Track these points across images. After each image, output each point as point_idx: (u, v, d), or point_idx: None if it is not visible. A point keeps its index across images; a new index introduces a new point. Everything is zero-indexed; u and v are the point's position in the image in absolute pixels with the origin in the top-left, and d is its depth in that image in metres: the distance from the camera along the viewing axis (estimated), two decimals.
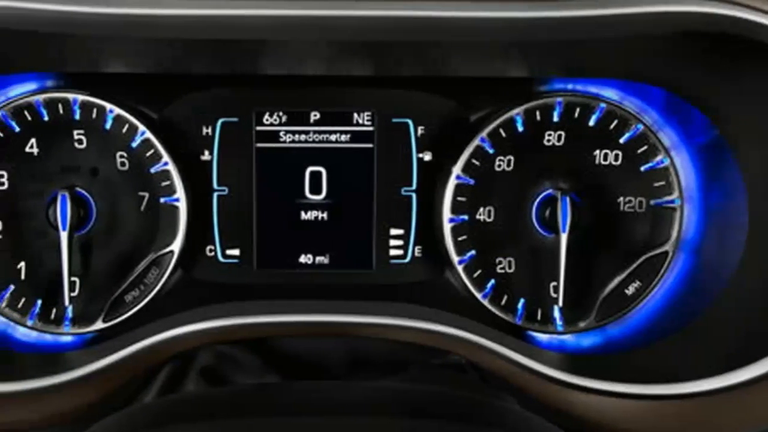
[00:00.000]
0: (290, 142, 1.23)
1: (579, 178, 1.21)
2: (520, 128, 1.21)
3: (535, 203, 1.21)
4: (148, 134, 1.19)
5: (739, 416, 1.10)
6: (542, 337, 1.24)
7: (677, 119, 1.20)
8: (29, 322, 1.22)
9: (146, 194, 1.21)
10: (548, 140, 1.21)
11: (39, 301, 1.22)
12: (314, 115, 1.23)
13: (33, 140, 1.20)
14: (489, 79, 1.18)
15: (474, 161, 1.21)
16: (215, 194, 1.23)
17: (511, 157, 1.21)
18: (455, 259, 1.22)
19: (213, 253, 1.24)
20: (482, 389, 1.28)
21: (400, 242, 1.25)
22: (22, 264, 1.21)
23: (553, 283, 1.21)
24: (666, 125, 1.21)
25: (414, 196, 1.24)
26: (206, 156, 1.22)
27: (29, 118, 1.19)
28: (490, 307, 1.23)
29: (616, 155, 1.21)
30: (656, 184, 1.22)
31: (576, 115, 1.21)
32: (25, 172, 1.20)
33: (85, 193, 1.20)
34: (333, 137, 1.23)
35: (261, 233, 1.24)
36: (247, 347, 1.34)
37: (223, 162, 1.23)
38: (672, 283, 1.24)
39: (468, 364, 1.31)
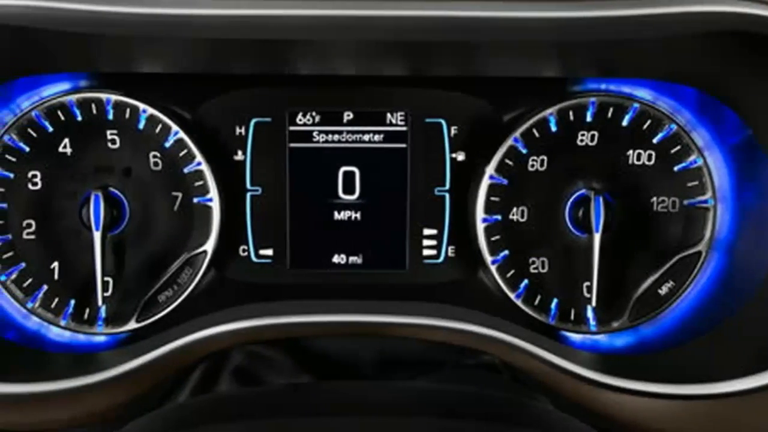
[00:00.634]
0: (323, 142, 1.23)
1: (612, 178, 1.21)
2: (554, 128, 1.20)
3: (569, 203, 1.21)
4: (182, 134, 1.19)
5: None
6: (575, 337, 1.24)
7: (710, 119, 1.19)
8: (62, 322, 1.22)
9: (179, 194, 1.21)
10: (581, 140, 1.21)
11: (72, 301, 1.22)
12: (347, 115, 1.23)
13: (66, 140, 1.20)
14: (522, 79, 1.18)
15: (507, 161, 1.20)
16: (248, 194, 1.23)
17: (545, 157, 1.21)
18: (488, 259, 1.22)
19: (246, 253, 1.24)
20: (516, 390, 1.27)
21: (433, 242, 1.24)
22: (56, 264, 1.21)
23: (587, 283, 1.21)
24: (699, 125, 1.21)
25: (447, 196, 1.24)
26: (239, 156, 1.22)
27: (62, 118, 1.20)
28: (523, 307, 1.23)
29: (649, 155, 1.21)
30: (689, 184, 1.22)
31: (609, 115, 1.20)
32: (59, 172, 1.20)
33: (119, 193, 1.20)
34: (366, 137, 1.23)
35: (294, 233, 1.24)
36: (280, 347, 1.34)
37: (257, 162, 1.22)
38: (705, 283, 1.23)
39: (501, 365, 1.31)
